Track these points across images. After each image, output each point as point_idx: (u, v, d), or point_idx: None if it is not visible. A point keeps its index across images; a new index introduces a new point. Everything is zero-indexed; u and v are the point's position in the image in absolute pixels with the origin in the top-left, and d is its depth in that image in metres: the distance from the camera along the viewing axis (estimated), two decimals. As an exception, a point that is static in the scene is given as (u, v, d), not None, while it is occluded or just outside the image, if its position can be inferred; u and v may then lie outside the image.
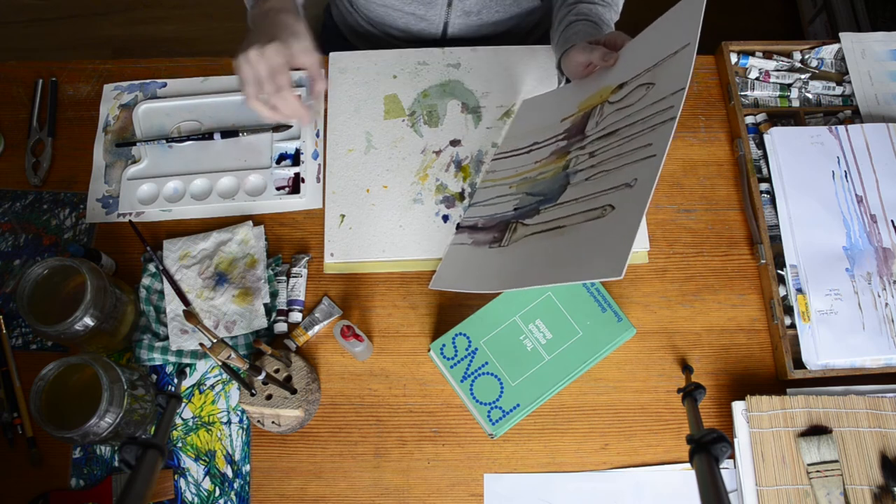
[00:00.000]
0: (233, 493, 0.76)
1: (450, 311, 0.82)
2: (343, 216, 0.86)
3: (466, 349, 0.76)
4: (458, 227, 0.84)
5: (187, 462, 0.77)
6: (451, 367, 0.75)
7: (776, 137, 0.86)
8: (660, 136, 0.65)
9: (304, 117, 0.75)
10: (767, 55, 0.94)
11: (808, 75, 0.93)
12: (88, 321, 0.71)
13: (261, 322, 0.80)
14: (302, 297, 0.83)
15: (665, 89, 0.68)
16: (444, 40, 1.01)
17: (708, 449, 0.56)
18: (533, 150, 0.84)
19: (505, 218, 0.79)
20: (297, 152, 0.89)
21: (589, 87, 0.81)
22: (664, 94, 0.67)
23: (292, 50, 0.71)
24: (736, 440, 0.74)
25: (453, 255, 0.82)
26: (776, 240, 0.83)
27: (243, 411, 0.79)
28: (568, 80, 0.88)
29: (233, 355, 0.64)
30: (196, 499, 0.76)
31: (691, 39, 0.67)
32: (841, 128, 0.87)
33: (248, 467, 0.77)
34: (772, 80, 0.93)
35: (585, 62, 0.79)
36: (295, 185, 0.88)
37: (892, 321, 0.78)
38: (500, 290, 0.72)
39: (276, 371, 0.76)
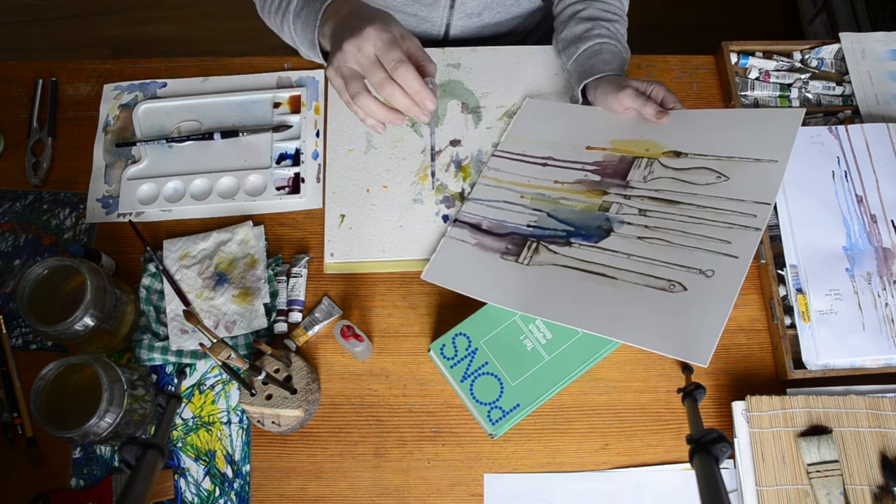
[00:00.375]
0: (233, 493, 0.76)
1: (450, 311, 0.82)
2: (343, 216, 0.86)
3: (466, 349, 0.76)
4: (456, 220, 0.84)
5: (187, 462, 0.77)
6: (451, 367, 0.75)
7: (776, 137, 0.86)
8: (744, 242, 0.68)
9: (429, 100, 0.61)
10: (767, 55, 0.94)
11: (808, 75, 0.93)
12: (88, 321, 0.71)
13: (261, 322, 0.80)
14: (302, 297, 0.83)
15: (745, 193, 0.71)
16: (445, 41, 1.01)
17: (708, 449, 0.56)
18: (550, 166, 0.83)
19: (520, 231, 0.79)
20: (297, 152, 0.89)
21: (625, 129, 0.82)
22: (744, 198, 0.70)
23: (393, 31, 0.61)
24: (736, 440, 0.74)
25: (452, 249, 0.82)
26: (776, 240, 0.83)
27: (243, 411, 0.79)
28: (586, 101, 0.88)
29: (233, 355, 0.64)
30: (196, 499, 0.76)
31: (781, 158, 0.71)
32: (841, 128, 0.87)
33: (248, 467, 0.77)
34: (772, 80, 0.93)
35: (633, 109, 0.80)
36: (295, 185, 0.88)
37: (892, 321, 0.78)
38: (524, 312, 0.73)
39: (276, 371, 0.76)
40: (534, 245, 0.77)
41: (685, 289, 0.67)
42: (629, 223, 0.75)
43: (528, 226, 0.79)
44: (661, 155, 0.78)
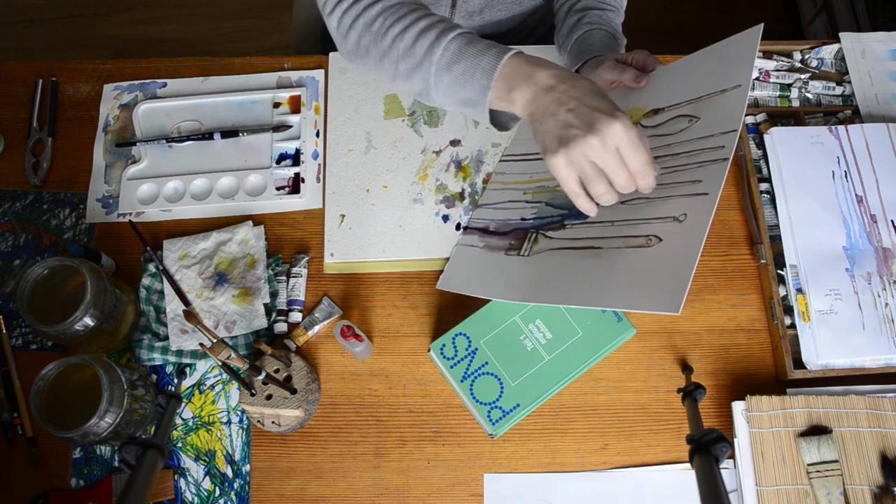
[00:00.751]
0: (233, 493, 0.76)
1: (450, 311, 0.82)
2: (343, 216, 0.86)
3: (466, 349, 0.76)
4: (467, 228, 0.84)
5: (187, 462, 0.77)
6: (451, 367, 0.75)
7: (776, 137, 0.86)
8: (712, 175, 0.64)
9: (651, 180, 0.62)
10: (767, 55, 0.94)
11: (808, 75, 0.93)
12: (88, 321, 0.71)
13: (261, 322, 0.80)
14: (302, 297, 0.83)
15: (714, 127, 0.67)
16: (446, 41, 1.01)
17: (708, 449, 0.56)
18: None
19: (522, 226, 0.79)
20: (297, 152, 0.89)
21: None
22: (713, 132, 0.67)
23: (634, 127, 0.60)
24: (736, 440, 0.74)
25: (463, 256, 0.82)
26: (776, 240, 0.83)
27: (243, 411, 0.79)
28: None
29: (233, 355, 0.64)
30: (196, 499, 0.76)
31: (743, 81, 0.67)
32: (841, 128, 0.87)
33: (248, 467, 0.77)
34: (772, 79, 0.93)
35: (613, 80, 0.79)
36: (295, 185, 0.88)
37: (892, 321, 0.78)
38: (524, 301, 0.72)
39: (276, 371, 0.76)
40: (533, 236, 0.77)
41: (660, 240, 0.64)
42: None
43: (529, 218, 0.79)
44: (643, 117, 0.76)
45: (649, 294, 0.62)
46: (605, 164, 0.60)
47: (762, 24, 0.68)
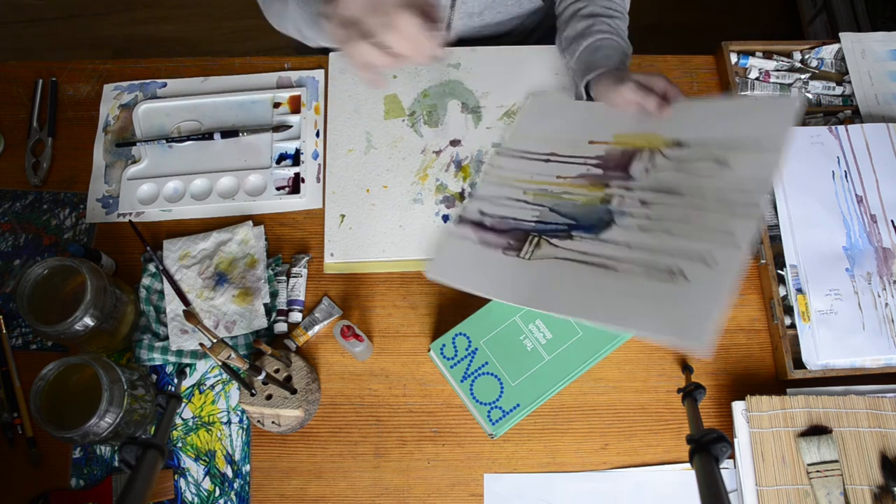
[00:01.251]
0: (233, 493, 0.76)
1: (450, 311, 0.82)
2: (343, 216, 0.86)
3: (466, 349, 0.76)
4: (461, 219, 0.84)
5: (187, 462, 0.77)
6: (451, 367, 0.75)
7: (776, 137, 0.86)
8: (745, 230, 0.67)
9: (430, 48, 0.61)
10: (767, 55, 0.94)
11: (808, 75, 0.93)
12: (88, 321, 0.71)
13: (261, 322, 0.80)
14: (302, 297, 0.83)
15: (746, 181, 0.70)
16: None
17: (708, 449, 0.56)
18: (552, 162, 0.83)
19: (522, 227, 0.79)
20: (297, 152, 0.89)
21: (628, 123, 0.81)
22: (745, 187, 0.69)
23: None
24: (736, 440, 0.74)
25: (455, 248, 0.81)
26: (776, 240, 0.83)
27: (243, 411, 0.79)
28: (589, 96, 0.87)
29: (233, 355, 0.64)
30: (196, 499, 0.76)
31: (781, 145, 0.70)
32: (841, 128, 0.87)
33: (248, 467, 0.77)
34: (772, 80, 0.93)
35: (635, 103, 0.79)
36: (295, 185, 0.88)
37: (892, 321, 0.78)
38: (526, 305, 0.72)
39: (276, 371, 0.76)
40: (535, 240, 0.77)
41: (686, 278, 0.67)
42: (631, 215, 0.74)
43: (530, 221, 0.79)
44: (663, 146, 0.78)
45: (677, 330, 0.64)
46: (359, 9, 0.60)
47: (803, 96, 0.71)
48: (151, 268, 0.83)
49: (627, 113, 0.82)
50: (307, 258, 0.84)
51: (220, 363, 0.65)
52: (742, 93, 0.93)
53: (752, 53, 0.94)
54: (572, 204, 0.71)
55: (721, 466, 0.55)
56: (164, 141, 0.90)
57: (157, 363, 0.80)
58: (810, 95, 0.93)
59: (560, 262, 0.74)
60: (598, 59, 0.84)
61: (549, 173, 0.82)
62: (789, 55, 0.95)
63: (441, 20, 0.62)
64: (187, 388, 0.80)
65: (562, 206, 0.78)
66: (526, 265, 0.75)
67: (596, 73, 0.83)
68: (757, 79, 0.93)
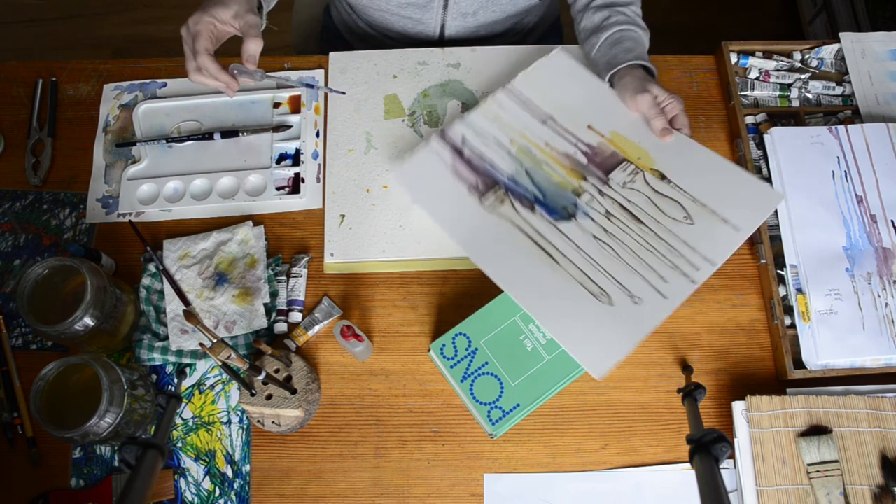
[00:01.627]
0: (233, 493, 0.76)
1: (450, 311, 0.82)
2: (343, 216, 0.86)
3: (466, 349, 0.76)
4: (443, 133, 0.84)
5: (187, 462, 0.77)
6: (451, 367, 0.75)
7: (776, 137, 0.86)
8: (678, 288, 0.72)
9: (224, 86, 0.78)
10: (767, 55, 0.94)
11: (808, 75, 0.93)
12: (88, 321, 0.71)
13: (261, 322, 0.80)
14: (302, 297, 0.83)
15: (700, 246, 0.74)
16: (441, 42, 1.01)
17: (708, 449, 0.56)
18: (548, 125, 0.85)
19: (494, 176, 0.81)
20: (297, 152, 0.89)
21: (629, 126, 0.83)
22: (698, 250, 0.74)
23: (214, 16, 0.74)
24: (736, 440, 0.74)
25: (428, 162, 0.83)
26: (776, 240, 0.83)
27: (243, 411, 0.79)
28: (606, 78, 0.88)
29: (233, 355, 0.64)
30: (196, 499, 0.76)
31: (747, 228, 0.74)
32: (841, 128, 0.87)
33: (248, 467, 0.77)
34: (772, 80, 0.93)
35: (646, 114, 0.81)
36: (295, 185, 0.88)
37: (892, 321, 0.78)
38: (461, 248, 0.76)
39: (276, 371, 0.76)
40: (499, 191, 0.79)
41: (611, 304, 0.72)
42: (592, 219, 0.78)
43: (505, 173, 0.81)
44: (648, 170, 0.81)
45: (583, 345, 0.70)
46: (186, 43, 0.77)
47: (783, 195, 0.78)
48: (151, 268, 0.83)
49: (632, 115, 0.83)
50: (307, 258, 0.84)
51: (220, 363, 0.65)
52: (742, 93, 0.93)
53: (752, 53, 0.94)
54: (547, 177, 0.74)
55: (721, 466, 0.55)
56: (164, 141, 0.90)
57: (157, 363, 0.80)
58: (810, 95, 0.93)
59: (514, 229, 0.77)
60: (619, 54, 0.84)
61: (540, 136, 0.84)
62: (789, 55, 0.95)
63: (250, 57, 0.76)
64: (187, 388, 0.80)
65: (536, 173, 0.81)
66: (482, 215, 0.79)
67: (618, 69, 0.84)
68: (757, 79, 0.93)
